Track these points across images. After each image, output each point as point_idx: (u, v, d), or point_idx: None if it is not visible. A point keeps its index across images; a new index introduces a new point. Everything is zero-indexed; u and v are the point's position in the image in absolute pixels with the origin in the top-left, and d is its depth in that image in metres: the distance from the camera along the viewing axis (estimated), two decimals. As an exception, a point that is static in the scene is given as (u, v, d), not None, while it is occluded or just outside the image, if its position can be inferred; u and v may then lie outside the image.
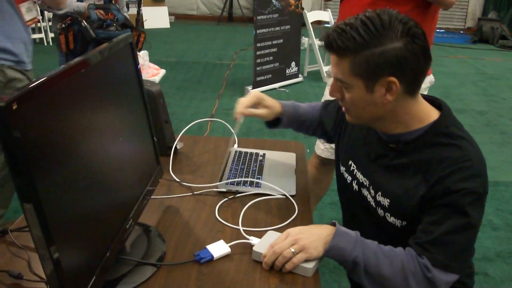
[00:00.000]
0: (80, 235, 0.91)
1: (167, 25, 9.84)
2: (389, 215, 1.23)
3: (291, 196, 1.45)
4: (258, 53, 5.44)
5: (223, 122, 2.03)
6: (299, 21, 5.92)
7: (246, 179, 1.52)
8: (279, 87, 5.73)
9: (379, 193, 1.25)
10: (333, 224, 1.18)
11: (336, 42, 1.09)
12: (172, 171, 1.59)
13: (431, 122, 1.18)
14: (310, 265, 1.13)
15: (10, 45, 1.98)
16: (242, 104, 1.48)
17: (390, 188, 1.22)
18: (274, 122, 1.60)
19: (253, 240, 1.22)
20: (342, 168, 1.42)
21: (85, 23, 2.95)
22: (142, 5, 3.61)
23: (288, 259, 1.12)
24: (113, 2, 3.22)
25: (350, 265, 1.13)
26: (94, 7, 3.02)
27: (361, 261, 1.12)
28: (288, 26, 5.71)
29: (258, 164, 1.64)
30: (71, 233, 0.87)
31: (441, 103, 1.23)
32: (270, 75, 5.66)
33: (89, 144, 0.96)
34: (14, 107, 0.72)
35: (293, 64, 5.94)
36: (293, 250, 1.12)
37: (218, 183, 1.50)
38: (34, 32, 8.17)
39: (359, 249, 1.13)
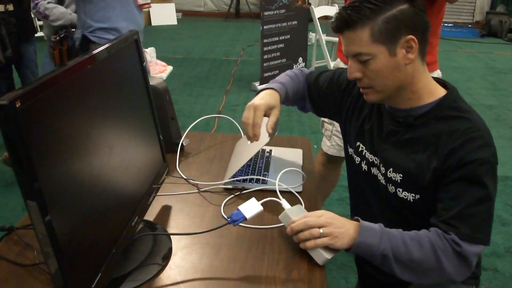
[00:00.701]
0: (85, 233, 0.91)
1: (174, 22, 9.84)
2: (401, 190, 1.26)
3: (297, 192, 1.45)
4: (265, 49, 5.42)
5: (230, 118, 2.03)
6: (306, 17, 5.90)
7: (252, 176, 1.52)
8: (287, 83, 5.71)
9: (391, 169, 1.28)
10: (357, 221, 1.18)
11: (351, 16, 1.15)
12: (179, 168, 1.58)
13: (440, 97, 1.23)
14: (327, 255, 1.13)
15: (124, 25, 2.03)
16: (259, 126, 1.39)
17: (402, 163, 1.25)
18: None
19: (285, 203, 1.25)
20: (351, 150, 1.45)
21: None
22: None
23: (313, 237, 1.13)
24: None
25: (380, 259, 1.14)
26: None
27: (389, 253, 1.12)
28: (295, 22, 5.68)
29: (264, 161, 1.63)
30: (75, 231, 0.87)
31: (446, 82, 1.29)
32: (277, 71, 5.64)
33: (94, 141, 0.96)
34: (17, 105, 0.72)
35: (300, 59, 5.92)
36: (321, 231, 1.13)
37: (224, 181, 1.49)
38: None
39: (386, 241, 1.13)
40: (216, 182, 1.50)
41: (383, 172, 1.31)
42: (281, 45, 5.61)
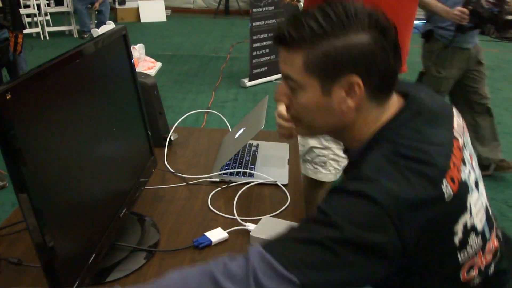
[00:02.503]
0: (74, 224, 0.93)
1: (164, 19, 9.83)
2: None
3: (283, 185, 1.48)
4: (254, 45, 5.45)
5: (218, 114, 2.05)
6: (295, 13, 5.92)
7: (239, 169, 1.54)
8: (275, 79, 5.74)
9: None
10: None
11: (288, 31, 0.89)
12: (167, 162, 1.61)
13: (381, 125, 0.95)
14: None
15: None
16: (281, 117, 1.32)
17: None
18: None
19: (250, 226, 1.25)
20: None
21: None
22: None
23: None
24: None
25: None
26: None
27: None
28: (284, 19, 5.70)
29: (251, 155, 1.66)
30: (65, 222, 0.89)
31: (409, 93, 0.98)
32: (266, 68, 5.67)
33: (82, 134, 0.98)
34: (7, 97, 0.74)
35: (289, 56, 5.94)
36: None
37: (211, 174, 1.52)
38: (30, 27, 8.17)
39: None
40: (203, 176, 1.52)
41: None
42: (270, 42, 5.62)
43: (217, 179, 1.50)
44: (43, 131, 0.84)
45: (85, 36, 7.82)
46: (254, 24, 5.37)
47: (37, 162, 0.80)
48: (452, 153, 0.90)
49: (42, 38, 7.85)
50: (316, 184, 2.11)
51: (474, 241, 0.92)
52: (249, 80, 5.50)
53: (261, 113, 1.57)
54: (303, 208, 1.39)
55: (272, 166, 1.59)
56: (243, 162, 1.60)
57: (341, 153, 1.96)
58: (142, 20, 9.59)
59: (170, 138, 1.72)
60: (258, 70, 5.58)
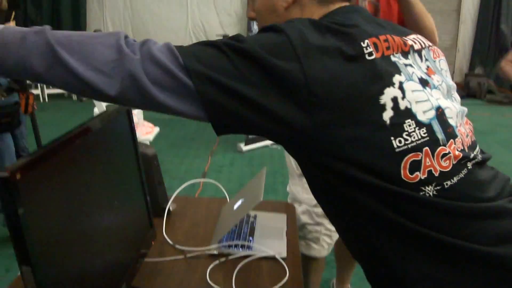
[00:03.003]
0: (74, 301, 0.92)
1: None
2: None
3: (282, 258, 1.47)
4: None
5: (215, 182, 2.07)
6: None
7: (237, 242, 1.54)
8: (271, 144, 5.80)
9: None
10: None
11: None
12: (165, 233, 1.61)
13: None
14: None
15: None
16: None
17: None
18: None
19: None
20: None
21: None
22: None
23: None
24: None
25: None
26: None
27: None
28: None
29: (249, 226, 1.66)
30: (65, 299, 0.89)
31: None
32: (262, 133, 5.74)
33: (86, 209, 0.99)
34: (18, 177, 0.76)
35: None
36: None
37: (210, 246, 1.52)
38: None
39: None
40: (202, 248, 1.52)
41: None
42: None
43: (216, 252, 1.50)
44: (48, 207, 0.85)
45: (83, 99, 7.95)
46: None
47: (42, 237, 0.81)
48: (380, 38, 0.91)
49: (41, 100, 7.98)
50: (309, 260, 2.12)
51: (414, 130, 0.88)
52: (246, 145, 5.55)
53: (260, 185, 1.59)
54: (302, 285, 1.38)
55: (271, 238, 1.59)
56: (241, 234, 1.61)
57: (333, 228, 1.97)
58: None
59: (169, 209, 1.73)
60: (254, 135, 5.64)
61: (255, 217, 1.75)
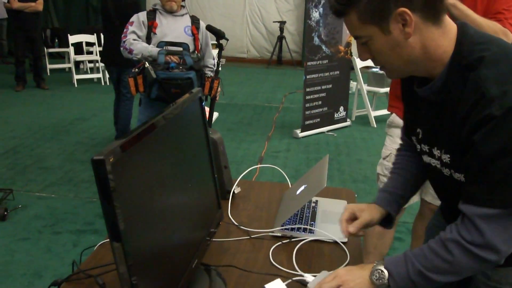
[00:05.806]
0: (155, 273, 1.01)
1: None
2: (453, 171, 1.18)
3: (343, 243, 1.52)
4: (307, 97, 5.57)
5: (279, 169, 2.13)
6: (348, 67, 6.05)
7: (300, 225, 1.60)
8: (327, 131, 5.82)
9: (443, 150, 1.19)
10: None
11: (336, 6, 1.11)
12: (231, 215, 1.69)
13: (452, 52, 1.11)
14: None
15: None
16: (344, 222, 1.39)
17: (444, 141, 1.17)
18: (387, 220, 1.44)
19: (308, 277, 1.30)
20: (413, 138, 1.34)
21: (148, 65, 3.12)
22: (222, 56, 3.86)
23: None
24: (195, 51, 3.39)
25: (417, 279, 1.13)
26: (165, 52, 3.16)
27: (420, 268, 1.12)
28: (338, 72, 5.83)
29: (311, 211, 1.72)
30: (148, 271, 0.98)
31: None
32: (318, 119, 5.76)
33: (166, 190, 1.08)
34: (111, 160, 0.84)
35: (341, 108, 6.03)
36: None
37: (273, 229, 1.59)
38: (92, 72, 8.65)
39: (409, 263, 1.14)
40: (265, 230, 1.59)
41: (437, 156, 1.22)
42: (323, 94, 5.74)
43: (279, 234, 1.57)
44: (135, 187, 0.94)
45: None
46: (308, 76, 5.51)
47: (130, 215, 0.90)
48: None
49: (103, 84, 8.28)
50: None
51: None
52: (302, 131, 5.59)
53: (323, 171, 1.64)
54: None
55: (331, 223, 1.64)
56: (303, 218, 1.66)
57: None
58: (198, 68, 9.95)
59: (233, 191, 1.81)
60: (310, 121, 5.68)
61: (316, 202, 1.80)
